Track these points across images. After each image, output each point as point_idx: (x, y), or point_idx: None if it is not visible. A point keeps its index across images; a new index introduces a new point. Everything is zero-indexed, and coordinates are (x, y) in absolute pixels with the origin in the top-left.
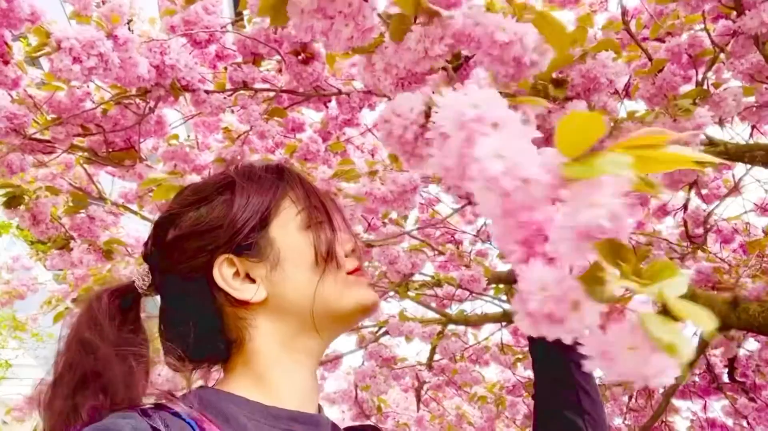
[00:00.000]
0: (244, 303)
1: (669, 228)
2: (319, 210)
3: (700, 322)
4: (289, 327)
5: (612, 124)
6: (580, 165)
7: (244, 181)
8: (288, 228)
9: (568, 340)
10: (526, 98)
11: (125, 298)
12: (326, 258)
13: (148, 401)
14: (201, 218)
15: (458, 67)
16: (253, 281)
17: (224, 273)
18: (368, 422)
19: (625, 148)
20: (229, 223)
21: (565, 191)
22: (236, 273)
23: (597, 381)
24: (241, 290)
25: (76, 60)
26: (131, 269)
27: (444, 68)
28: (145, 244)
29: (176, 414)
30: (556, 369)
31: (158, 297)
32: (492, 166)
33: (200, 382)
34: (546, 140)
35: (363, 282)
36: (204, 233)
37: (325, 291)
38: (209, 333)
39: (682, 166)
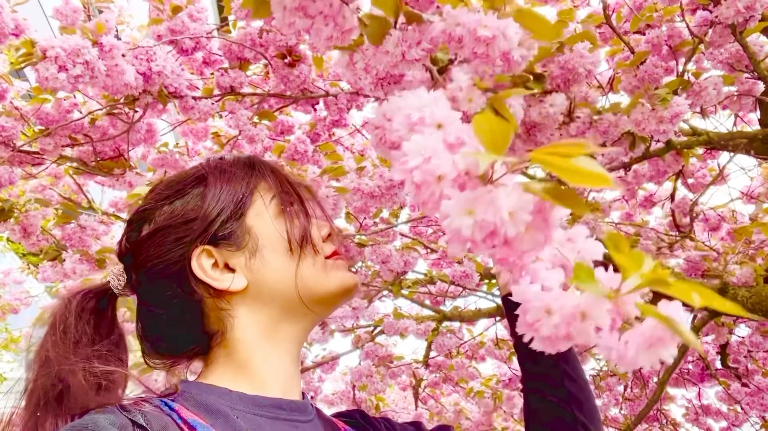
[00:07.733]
0: (224, 293)
1: (657, 218)
2: (291, 195)
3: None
4: (271, 315)
5: (593, 116)
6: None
7: (216, 173)
8: (264, 216)
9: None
10: (508, 91)
11: (101, 300)
12: (301, 243)
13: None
14: (175, 211)
15: (443, 70)
16: (232, 270)
17: (203, 264)
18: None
19: (543, 155)
20: (203, 214)
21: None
22: (215, 264)
23: (590, 374)
24: (220, 280)
25: (62, 68)
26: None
27: (429, 71)
28: (119, 243)
29: (156, 407)
30: (541, 359)
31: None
32: (411, 161)
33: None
34: (527, 132)
35: (342, 265)
36: (179, 226)
37: (304, 275)
38: (190, 327)
39: (589, 183)
